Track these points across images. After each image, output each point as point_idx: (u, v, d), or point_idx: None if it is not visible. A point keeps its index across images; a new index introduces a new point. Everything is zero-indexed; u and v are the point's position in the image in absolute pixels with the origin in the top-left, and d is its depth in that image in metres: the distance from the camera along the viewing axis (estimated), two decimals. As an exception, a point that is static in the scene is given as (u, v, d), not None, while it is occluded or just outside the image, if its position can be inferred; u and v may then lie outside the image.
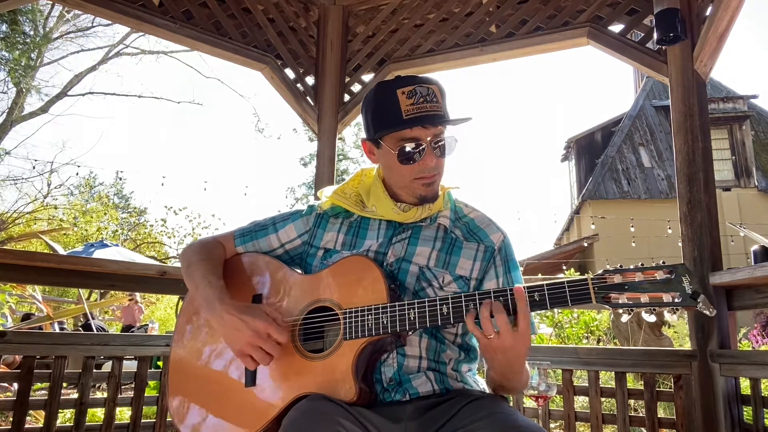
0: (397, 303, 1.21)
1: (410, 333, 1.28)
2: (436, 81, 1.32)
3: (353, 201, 1.44)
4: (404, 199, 1.38)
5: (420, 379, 1.28)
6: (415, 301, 1.20)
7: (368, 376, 1.25)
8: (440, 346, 1.33)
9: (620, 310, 1.09)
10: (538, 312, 1.17)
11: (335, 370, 1.21)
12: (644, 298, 1.06)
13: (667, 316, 1.08)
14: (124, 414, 3.47)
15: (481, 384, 1.41)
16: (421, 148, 1.30)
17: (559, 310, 6.49)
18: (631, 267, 1.10)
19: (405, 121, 1.27)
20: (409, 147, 1.29)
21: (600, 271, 1.11)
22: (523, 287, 1.13)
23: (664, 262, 1.09)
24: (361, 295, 1.26)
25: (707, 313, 1.04)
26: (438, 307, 1.18)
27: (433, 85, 1.31)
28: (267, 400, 1.27)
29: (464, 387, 1.34)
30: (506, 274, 1.38)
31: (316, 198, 1.56)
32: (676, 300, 1.05)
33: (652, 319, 1.10)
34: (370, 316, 1.21)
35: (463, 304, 1.16)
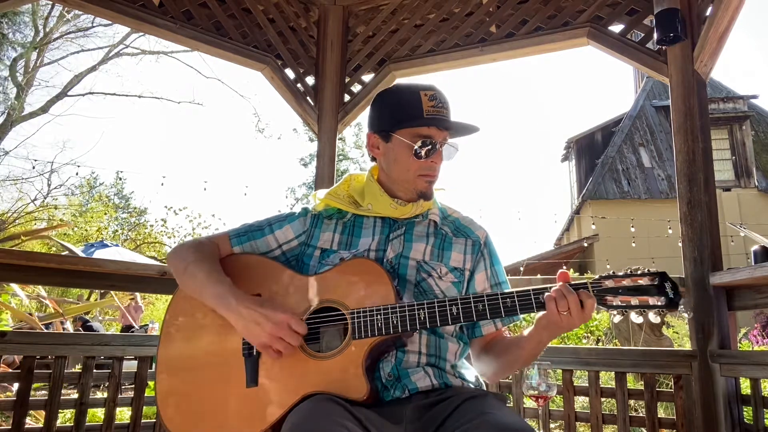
0: (406, 303, 1.25)
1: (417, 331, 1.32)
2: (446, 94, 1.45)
3: (346, 201, 1.50)
4: (401, 196, 1.46)
5: (418, 374, 1.30)
6: (425, 301, 1.25)
7: (370, 374, 1.26)
8: (440, 340, 1.37)
9: (614, 312, 1.21)
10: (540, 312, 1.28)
11: (345, 368, 1.23)
12: (634, 301, 1.19)
13: (652, 317, 1.20)
14: (124, 414, 3.47)
15: (474, 375, 1.46)
16: (433, 146, 1.40)
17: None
18: (620, 273, 1.22)
19: (426, 119, 1.38)
20: (423, 143, 1.39)
21: (596, 276, 1.23)
22: (517, 290, 1.24)
23: (648, 270, 1.21)
24: (368, 296, 1.28)
25: (686, 315, 1.20)
26: (447, 307, 1.23)
27: (446, 96, 1.44)
28: (270, 400, 1.26)
29: (462, 383, 1.36)
30: (492, 266, 1.51)
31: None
32: (660, 303, 1.17)
33: (639, 320, 1.23)
34: (379, 316, 1.24)
35: (473, 304, 1.23)
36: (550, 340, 1.31)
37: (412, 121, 1.39)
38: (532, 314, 1.27)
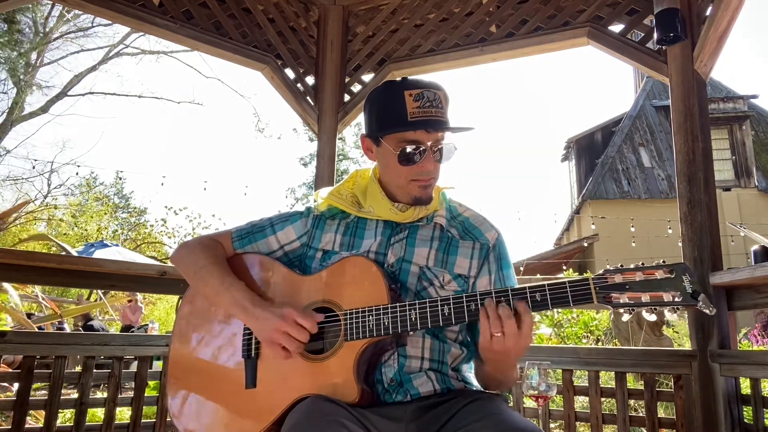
0: (398, 304, 1.21)
1: (411, 333, 1.28)
2: (442, 87, 1.34)
3: (349, 202, 1.45)
4: (400, 199, 1.39)
5: (421, 379, 1.29)
6: (416, 301, 1.21)
7: (369, 377, 1.25)
8: (443, 345, 1.33)
9: (621, 310, 1.10)
10: (539, 312, 1.20)
11: (337, 371, 1.21)
12: (645, 297, 1.07)
13: (668, 315, 1.08)
14: (124, 414, 3.47)
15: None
16: (421, 151, 1.31)
17: (559, 310, 6.50)
18: (632, 266, 1.10)
19: (409, 122, 1.28)
20: (409, 149, 1.30)
21: (601, 271, 1.12)
22: (515, 288, 1.16)
23: (664, 262, 1.09)
24: (361, 296, 1.26)
25: (707, 311, 1.05)
26: (439, 307, 1.19)
27: (440, 91, 1.32)
28: (267, 401, 1.26)
29: (465, 386, 1.34)
30: (498, 271, 1.39)
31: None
32: (677, 299, 1.05)
33: (652, 318, 1.11)
34: (371, 317, 1.21)
35: (465, 304, 1.17)
36: (496, 372, 1.26)
37: (395, 127, 1.30)
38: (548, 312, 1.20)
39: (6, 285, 3.67)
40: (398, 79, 1.37)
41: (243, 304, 1.30)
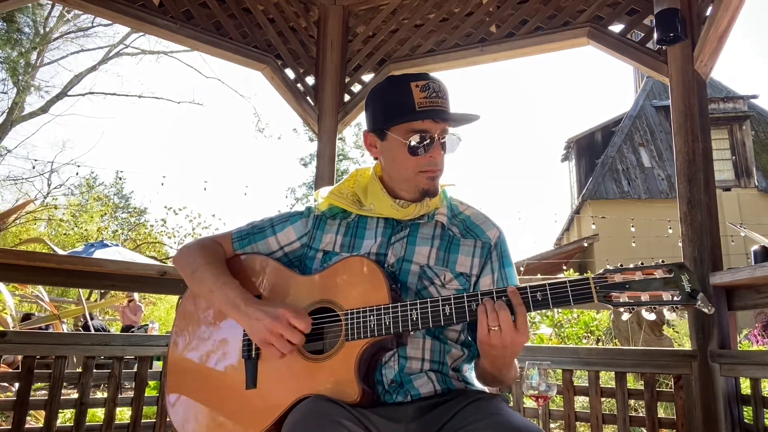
0: (399, 303, 1.21)
1: (412, 333, 1.28)
2: (443, 81, 1.36)
3: (350, 200, 1.44)
4: (403, 196, 1.39)
5: (421, 380, 1.28)
6: (417, 301, 1.21)
7: (370, 377, 1.25)
8: (444, 346, 1.33)
9: (621, 309, 1.11)
10: (539, 312, 1.19)
11: (338, 371, 1.21)
12: (644, 296, 1.08)
13: (667, 314, 1.09)
14: (124, 414, 3.47)
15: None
16: (430, 140, 1.32)
17: (559, 310, 6.50)
18: (631, 266, 1.11)
19: (418, 112, 1.29)
20: (418, 138, 1.32)
21: (601, 271, 1.13)
22: (517, 287, 1.16)
23: (663, 261, 1.10)
24: (362, 296, 1.25)
25: (706, 310, 1.06)
26: (440, 307, 1.19)
27: (443, 84, 1.35)
28: (268, 402, 1.26)
29: (466, 387, 1.34)
30: (501, 269, 1.40)
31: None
32: (676, 298, 1.07)
33: (652, 317, 1.12)
34: (372, 317, 1.21)
35: (466, 303, 1.17)
36: (493, 368, 1.25)
37: (403, 117, 1.30)
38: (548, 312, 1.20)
39: (0, 287, 3.66)
40: (399, 74, 1.39)
41: (235, 302, 1.29)
